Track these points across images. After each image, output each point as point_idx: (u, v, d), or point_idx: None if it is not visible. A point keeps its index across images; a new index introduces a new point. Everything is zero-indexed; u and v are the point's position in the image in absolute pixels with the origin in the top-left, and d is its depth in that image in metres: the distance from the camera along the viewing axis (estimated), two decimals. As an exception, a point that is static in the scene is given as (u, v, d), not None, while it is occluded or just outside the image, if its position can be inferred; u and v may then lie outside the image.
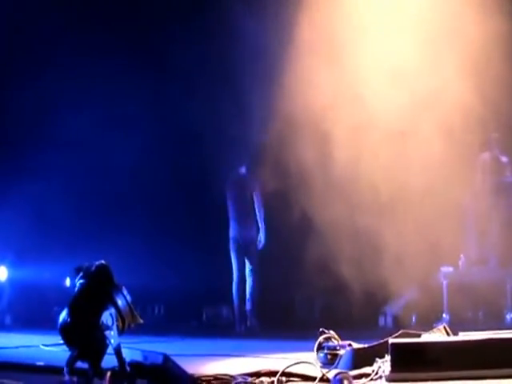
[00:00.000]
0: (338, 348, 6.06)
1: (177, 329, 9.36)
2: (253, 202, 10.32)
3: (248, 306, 10.04)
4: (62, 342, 5.01)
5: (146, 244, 10.55)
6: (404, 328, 6.44)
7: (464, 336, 5.62)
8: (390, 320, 9.72)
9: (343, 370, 4.87)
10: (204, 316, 10.97)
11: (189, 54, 10.24)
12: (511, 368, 5.30)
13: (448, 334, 6.10)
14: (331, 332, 6.19)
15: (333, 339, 6.17)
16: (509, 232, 9.30)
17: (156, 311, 10.53)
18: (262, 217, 10.31)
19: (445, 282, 9.29)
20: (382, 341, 5.69)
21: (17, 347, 7.37)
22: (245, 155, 10.42)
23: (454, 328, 7.47)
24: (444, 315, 9.23)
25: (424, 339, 5.66)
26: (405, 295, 9.64)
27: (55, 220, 10.97)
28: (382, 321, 9.88)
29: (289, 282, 10.22)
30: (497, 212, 9.35)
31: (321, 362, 5.96)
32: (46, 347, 7.37)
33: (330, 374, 5.17)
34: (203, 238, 10.88)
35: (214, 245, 10.67)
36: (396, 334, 5.89)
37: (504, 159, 9.59)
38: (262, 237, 10.26)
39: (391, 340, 5.42)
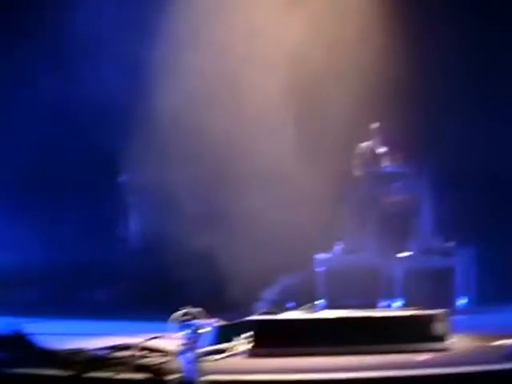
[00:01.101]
0: (202, 325, 6.11)
1: (49, 310, 9.20)
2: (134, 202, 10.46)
3: None
4: None
5: (18, 223, 10.30)
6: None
7: (323, 314, 5.78)
8: (266, 305, 9.79)
9: (190, 342, 4.90)
10: (80, 297, 10.78)
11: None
12: (367, 344, 5.52)
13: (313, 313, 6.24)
14: (196, 310, 6.22)
15: (198, 317, 6.20)
16: (385, 221, 9.55)
17: (28, 293, 10.29)
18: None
19: (319, 269, 9.44)
20: (243, 318, 5.79)
21: None
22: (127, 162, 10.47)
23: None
24: (319, 301, 9.38)
25: (284, 316, 5.78)
26: (282, 281, 9.77)
27: None
28: (257, 307, 9.93)
29: (165, 267, 10.15)
30: (374, 201, 9.56)
31: (186, 339, 5.99)
32: None
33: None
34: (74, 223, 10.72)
35: (87, 227, 10.57)
36: (261, 312, 6.00)
37: (382, 150, 9.81)
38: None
39: (253, 317, 5.53)
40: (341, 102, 9.34)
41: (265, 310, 6.09)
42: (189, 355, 4.51)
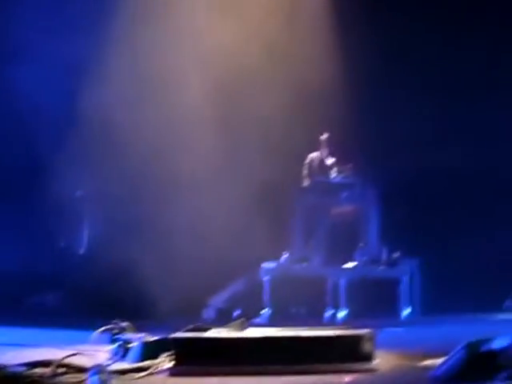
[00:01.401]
0: (131, 340, 6.08)
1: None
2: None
3: None
4: None
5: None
6: (227, 321, 6.57)
7: (249, 333, 5.76)
8: (212, 313, 9.79)
9: (102, 364, 4.88)
10: (25, 304, 10.61)
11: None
12: (293, 364, 5.51)
13: (243, 330, 6.22)
14: (126, 324, 6.20)
15: (128, 331, 6.19)
16: (332, 231, 9.60)
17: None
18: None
19: (266, 278, 9.46)
20: (169, 335, 5.76)
21: None
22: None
23: (276, 323, 7.73)
24: (265, 310, 9.40)
25: (207, 335, 5.75)
26: (230, 288, 9.78)
27: None
28: (205, 313, 9.94)
29: (102, 278, 10.10)
30: (321, 211, 9.61)
31: (114, 354, 5.96)
32: None
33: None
34: (27, 223, 10.61)
35: (41, 228, 10.48)
36: (187, 328, 5.97)
37: (330, 160, 9.85)
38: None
39: (174, 334, 5.50)
40: (274, 106, 9.41)
41: (193, 327, 6.04)
42: (99, 375, 4.46)
